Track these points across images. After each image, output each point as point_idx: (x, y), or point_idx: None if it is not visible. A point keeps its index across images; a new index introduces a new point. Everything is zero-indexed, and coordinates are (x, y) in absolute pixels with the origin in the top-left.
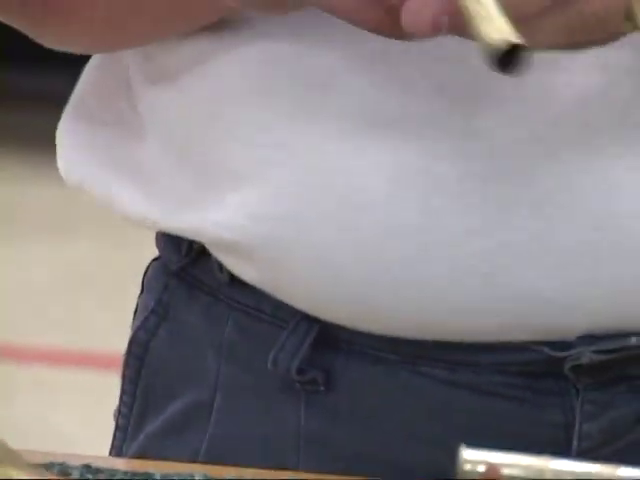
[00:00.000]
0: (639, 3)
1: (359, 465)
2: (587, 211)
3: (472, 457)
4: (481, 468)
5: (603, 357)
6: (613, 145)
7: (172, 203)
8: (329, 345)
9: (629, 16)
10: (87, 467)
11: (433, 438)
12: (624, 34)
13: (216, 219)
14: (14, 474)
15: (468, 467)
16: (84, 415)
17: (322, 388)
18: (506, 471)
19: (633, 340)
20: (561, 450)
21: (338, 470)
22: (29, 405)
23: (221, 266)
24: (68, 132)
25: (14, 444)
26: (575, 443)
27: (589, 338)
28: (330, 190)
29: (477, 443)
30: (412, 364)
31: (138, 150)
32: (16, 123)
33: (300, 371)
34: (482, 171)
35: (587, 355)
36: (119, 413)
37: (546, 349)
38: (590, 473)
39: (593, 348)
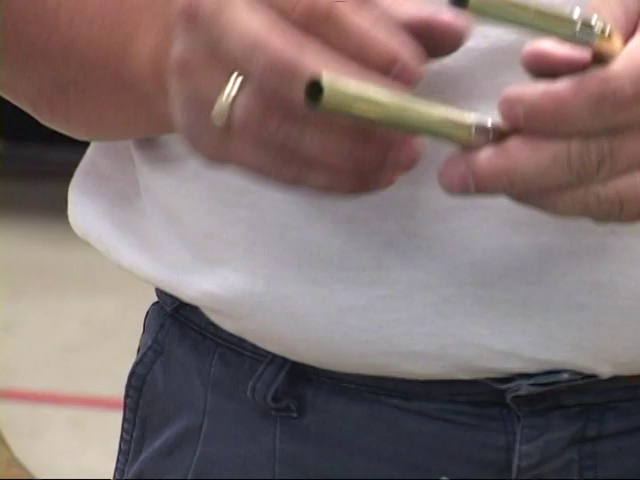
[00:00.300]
0: None
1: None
2: (519, 269)
3: None
4: None
5: (539, 389)
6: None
7: (164, 263)
8: (300, 377)
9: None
10: None
11: (392, 458)
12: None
13: (204, 281)
14: None
15: None
16: (110, 451)
17: (295, 414)
18: None
19: (565, 376)
20: (503, 469)
21: None
22: (63, 443)
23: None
24: (79, 189)
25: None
26: (515, 462)
27: (525, 374)
28: (292, 250)
29: (431, 463)
30: (372, 394)
31: (140, 214)
32: (51, 192)
33: (275, 399)
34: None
35: (525, 387)
36: (121, 439)
37: (490, 382)
38: None
39: (531, 382)
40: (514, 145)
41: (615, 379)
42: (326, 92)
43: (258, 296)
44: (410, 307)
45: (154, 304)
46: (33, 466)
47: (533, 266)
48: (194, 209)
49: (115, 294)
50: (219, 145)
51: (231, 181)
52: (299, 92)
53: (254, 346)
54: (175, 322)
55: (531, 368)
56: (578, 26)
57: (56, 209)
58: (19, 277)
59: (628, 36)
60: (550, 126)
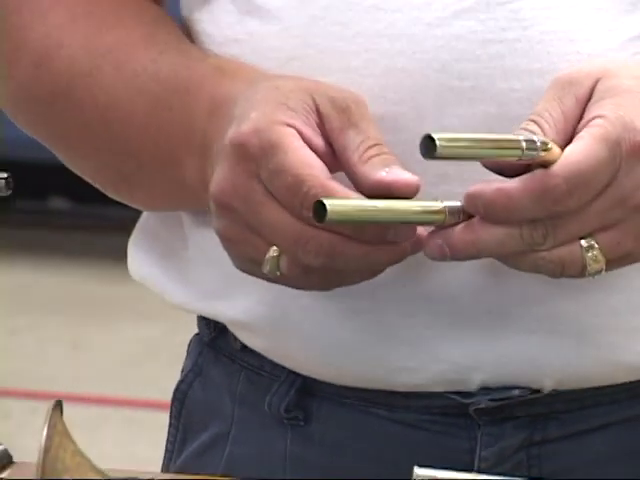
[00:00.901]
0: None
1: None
2: (483, 303)
3: (422, 473)
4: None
5: (495, 403)
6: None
7: (206, 295)
8: (307, 393)
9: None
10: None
11: (379, 459)
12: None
13: (235, 307)
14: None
15: (417, 476)
16: (156, 444)
17: (302, 423)
18: None
19: (516, 392)
20: (467, 468)
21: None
22: (118, 437)
23: (235, 338)
24: (136, 245)
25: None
26: (476, 464)
27: (486, 390)
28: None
29: (410, 462)
30: (364, 406)
31: (184, 258)
32: (110, 242)
33: (287, 411)
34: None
35: (485, 402)
36: (167, 440)
37: (457, 397)
38: None
39: (489, 397)
40: (478, 224)
41: (556, 394)
42: (329, 209)
43: (276, 321)
44: (397, 331)
45: (195, 335)
46: (93, 456)
47: (494, 301)
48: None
49: (161, 321)
50: (272, 279)
51: None
52: (317, 262)
53: (271, 367)
54: (211, 350)
55: (490, 382)
56: (524, 149)
57: (114, 255)
58: (86, 307)
59: (567, 135)
60: (503, 216)
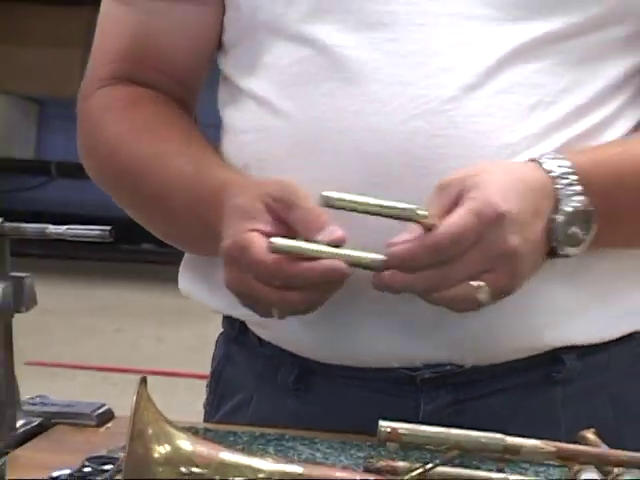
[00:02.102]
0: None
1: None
2: (422, 306)
3: (384, 424)
4: (386, 428)
5: (433, 375)
6: None
7: (232, 304)
8: (307, 372)
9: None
10: (207, 429)
11: (357, 416)
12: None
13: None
14: (169, 429)
15: (382, 429)
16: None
17: (304, 393)
18: (403, 432)
19: (447, 367)
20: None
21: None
22: (182, 401)
23: (254, 334)
24: (184, 268)
25: None
26: (420, 416)
27: (427, 366)
28: None
29: (379, 416)
30: (346, 378)
31: (216, 278)
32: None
33: (292, 384)
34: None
35: (427, 374)
36: (205, 405)
37: (408, 372)
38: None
39: (430, 371)
40: (394, 272)
41: (473, 368)
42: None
43: (280, 322)
44: (370, 327)
45: (221, 334)
46: (165, 413)
47: (428, 310)
48: None
49: (208, 322)
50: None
51: None
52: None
53: (280, 353)
54: (236, 344)
55: (430, 361)
56: (405, 211)
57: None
58: (164, 313)
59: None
60: (408, 265)
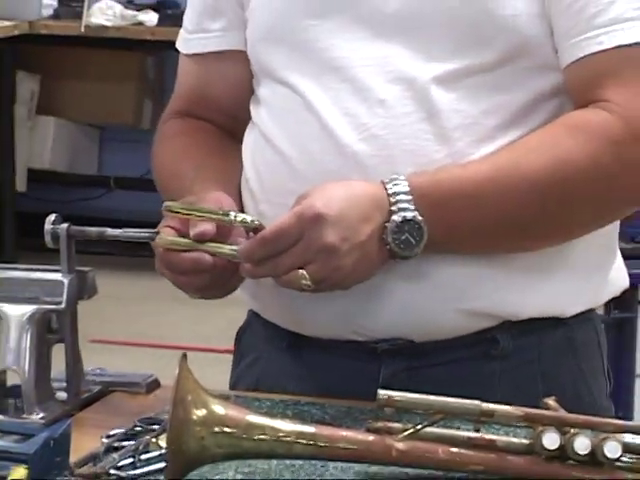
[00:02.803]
0: None
1: (312, 391)
2: (375, 286)
3: (382, 392)
4: (384, 396)
5: (390, 347)
6: None
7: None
8: (297, 339)
9: None
10: (236, 395)
11: (338, 374)
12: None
13: (258, 302)
14: (206, 397)
15: (381, 397)
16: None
17: (297, 355)
18: (397, 399)
19: (400, 341)
20: (375, 382)
21: (301, 391)
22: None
23: (260, 315)
24: None
25: None
26: (380, 380)
27: (385, 340)
28: None
29: (346, 380)
30: (325, 349)
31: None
32: None
33: (286, 348)
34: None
35: (385, 346)
36: (233, 363)
37: (371, 343)
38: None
39: (388, 343)
40: (247, 265)
41: (424, 343)
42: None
43: (273, 299)
44: (339, 304)
45: (249, 310)
46: (203, 382)
47: (378, 284)
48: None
49: (232, 305)
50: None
51: None
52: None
53: (283, 332)
54: (254, 314)
55: (387, 336)
56: (233, 219)
57: None
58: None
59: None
60: (250, 258)
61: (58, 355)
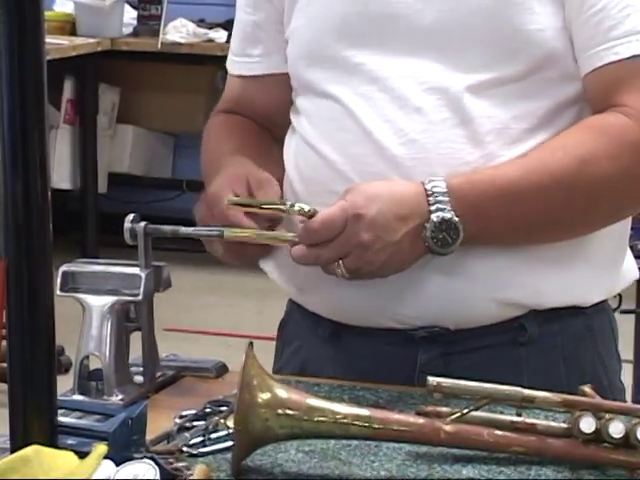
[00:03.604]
0: None
1: (353, 375)
2: (408, 278)
3: (432, 379)
4: (433, 382)
5: (426, 334)
6: None
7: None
8: (339, 328)
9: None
10: (297, 380)
11: (379, 362)
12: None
13: (305, 295)
14: (271, 382)
15: (430, 383)
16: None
17: (337, 344)
18: (446, 385)
19: (437, 329)
20: (413, 367)
21: (343, 375)
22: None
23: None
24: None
25: None
26: (418, 364)
27: (422, 328)
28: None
29: (387, 366)
30: (369, 335)
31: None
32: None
33: (329, 336)
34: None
35: (422, 333)
36: (275, 352)
37: (409, 331)
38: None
39: (426, 331)
40: (302, 247)
41: (458, 330)
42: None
43: (317, 291)
44: (379, 294)
45: (290, 298)
46: (266, 367)
47: (416, 276)
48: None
49: (274, 297)
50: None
51: None
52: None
53: (321, 317)
54: (295, 304)
55: (424, 324)
56: (290, 208)
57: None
58: (265, 292)
59: None
60: (305, 241)
61: (136, 342)
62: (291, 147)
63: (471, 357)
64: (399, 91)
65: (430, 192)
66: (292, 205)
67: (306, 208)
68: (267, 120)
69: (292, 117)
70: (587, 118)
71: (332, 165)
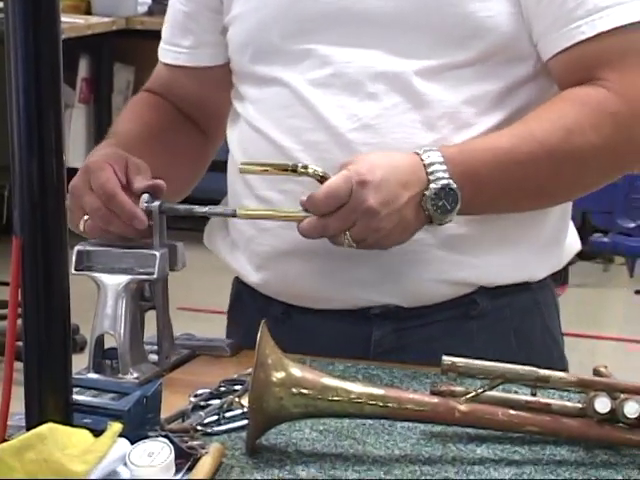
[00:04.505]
0: None
1: (313, 348)
2: (362, 256)
3: (446, 359)
4: (448, 362)
5: (379, 312)
6: None
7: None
8: (291, 308)
9: None
10: (312, 359)
11: (333, 338)
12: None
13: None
14: (285, 361)
15: (444, 362)
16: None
17: (289, 323)
18: (460, 364)
19: (390, 306)
20: (367, 342)
21: (300, 350)
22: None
23: (255, 290)
24: (210, 226)
25: None
26: (372, 341)
27: (377, 306)
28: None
29: (342, 343)
30: (319, 314)
31: (228, 240)
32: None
33: (281, 316)
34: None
35: (377, 310)
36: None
37: (364, 310)
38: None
39: (380, 309)
40: (310, 220)
41: (411, 308)
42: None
43: (275, 272)
44: (338, 279)
45: (235, 278)
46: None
47: (367, 255)
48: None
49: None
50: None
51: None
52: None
53: (272, 299)
54: (243, 285)
55: (377, 303)
56: (302, 170)
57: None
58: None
59: None
60: (313, 210)
61: (150, 321)
62: (235, 132)
63: (424, 331)
64: (351, 77)
65: (427, 162)
66: (305, 167)
67: (319, 169)
68: (195, 109)
69: (235, 103)
70: (567, 90)
71: (286, 152)
